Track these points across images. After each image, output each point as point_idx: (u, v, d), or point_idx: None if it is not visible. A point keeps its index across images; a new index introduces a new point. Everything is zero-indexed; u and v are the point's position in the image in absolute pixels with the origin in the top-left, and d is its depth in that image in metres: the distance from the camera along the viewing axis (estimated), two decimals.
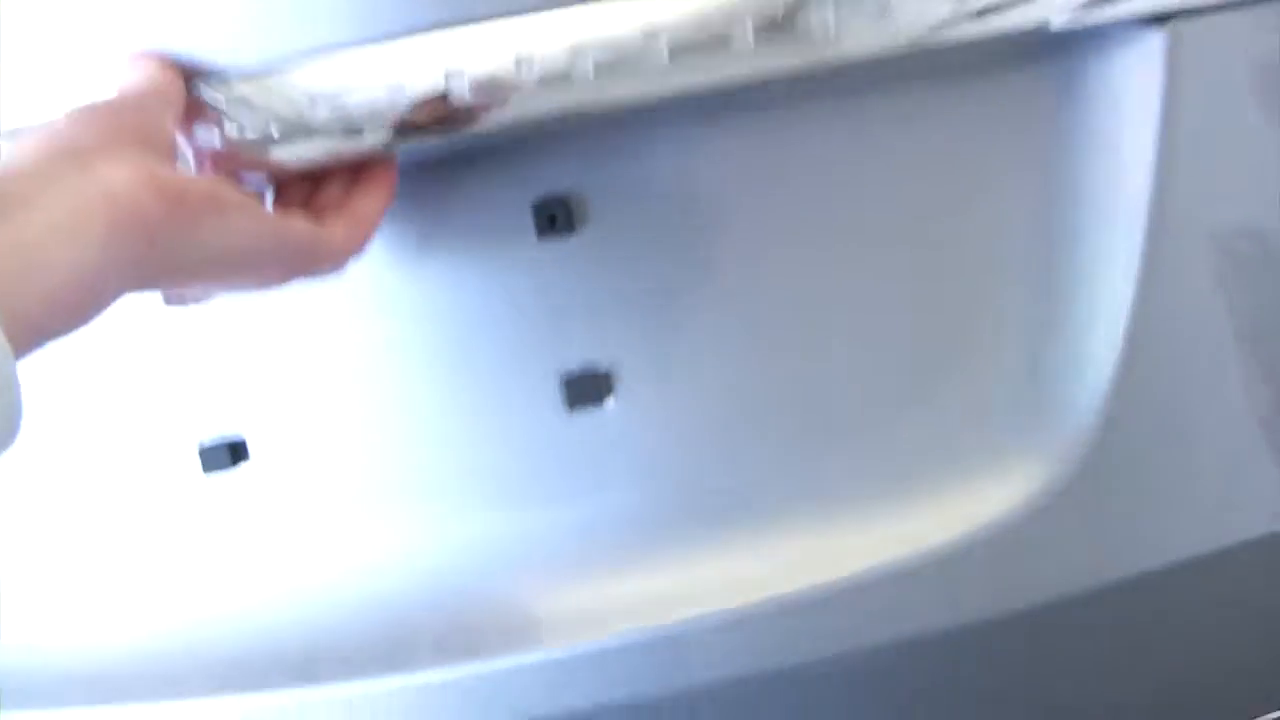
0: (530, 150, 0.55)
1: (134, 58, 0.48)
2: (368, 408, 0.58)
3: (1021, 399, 0.55)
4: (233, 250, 0.46)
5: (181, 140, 0.49)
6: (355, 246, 0.51)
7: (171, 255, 0.43)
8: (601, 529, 0.57)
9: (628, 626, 0.54)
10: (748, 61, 0.48)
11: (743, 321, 0.56)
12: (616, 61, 0.48)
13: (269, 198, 0.53)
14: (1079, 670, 0.57)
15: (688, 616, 0.54)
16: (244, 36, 0.49)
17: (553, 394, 0.57)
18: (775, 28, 0.48)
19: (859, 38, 0.48)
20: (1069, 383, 0.54)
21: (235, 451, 0.59)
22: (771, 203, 0.55)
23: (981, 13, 0.49)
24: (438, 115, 0.49)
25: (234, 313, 0.57)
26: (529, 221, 0.55)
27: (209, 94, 0.49)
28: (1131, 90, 0.52)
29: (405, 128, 0.50)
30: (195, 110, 0.49)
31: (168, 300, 0.53)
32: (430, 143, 0.50)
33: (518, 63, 0.48)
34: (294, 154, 0.50)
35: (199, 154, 0.50)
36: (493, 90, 0.49)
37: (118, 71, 0.48)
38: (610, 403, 0.57)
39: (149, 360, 0.58)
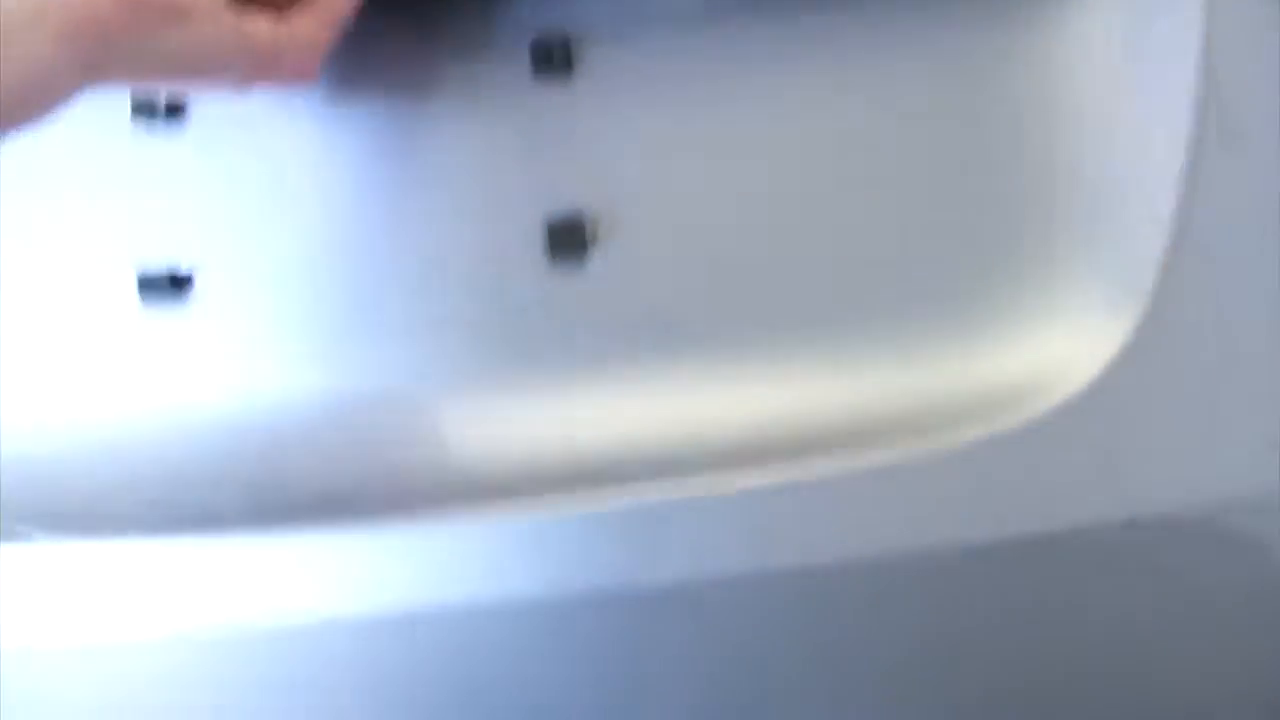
0: None
1: None
2: (327, 241, 0.55)
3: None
4: (190, 55, 0.46)
5: None
6: (321, 44, 0.50)
7: (127, 58, 0.44)
8: (579, 379, 0.55)
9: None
10: None
11: (747, 174, 0.53)
12: None
13: None
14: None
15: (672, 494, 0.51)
16: None
17: (535, 242, 0.54)
18: None
19: None
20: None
21: (178, 283, 0.56)
22: (785, 49, 0.52)
23: None
24: None
25: (196, 136, 0.55)
26: (525, 57, 0.53)
27: None
28: None
29: None
30: None
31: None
32: None
33: None
34: None
35: None
36: None
37: None
38: (594, 255, 0.54)
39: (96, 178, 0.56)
